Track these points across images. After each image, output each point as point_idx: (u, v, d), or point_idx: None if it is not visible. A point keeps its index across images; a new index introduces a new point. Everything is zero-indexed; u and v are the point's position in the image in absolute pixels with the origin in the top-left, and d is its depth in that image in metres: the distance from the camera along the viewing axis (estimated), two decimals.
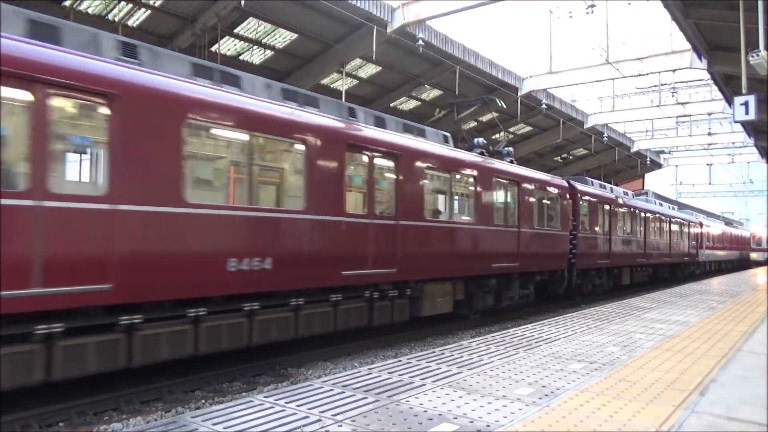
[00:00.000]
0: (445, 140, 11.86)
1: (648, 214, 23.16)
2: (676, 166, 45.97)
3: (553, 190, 15.27)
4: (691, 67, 18.98)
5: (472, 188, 11.98)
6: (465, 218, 11.96)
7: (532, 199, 14.07)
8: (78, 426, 5.91)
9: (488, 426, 3.58)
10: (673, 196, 48.05)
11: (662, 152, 40.67)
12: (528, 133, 30.11)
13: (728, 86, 17.12)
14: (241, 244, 7.21)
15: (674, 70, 20.68)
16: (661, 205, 26.99)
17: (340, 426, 3.58)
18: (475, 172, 11.93)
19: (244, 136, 7.51)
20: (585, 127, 28.54)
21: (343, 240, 8.65)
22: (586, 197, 17.32)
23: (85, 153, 6.61)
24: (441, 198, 11.71)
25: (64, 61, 5.76)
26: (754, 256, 44.41)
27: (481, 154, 13.09)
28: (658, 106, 27.00)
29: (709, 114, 28.43)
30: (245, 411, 3.89)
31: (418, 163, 10.35)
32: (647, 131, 34.54)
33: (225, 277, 6.96)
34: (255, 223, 7.44)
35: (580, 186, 17.18)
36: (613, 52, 20.03)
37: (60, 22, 6.29)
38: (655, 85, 27.12)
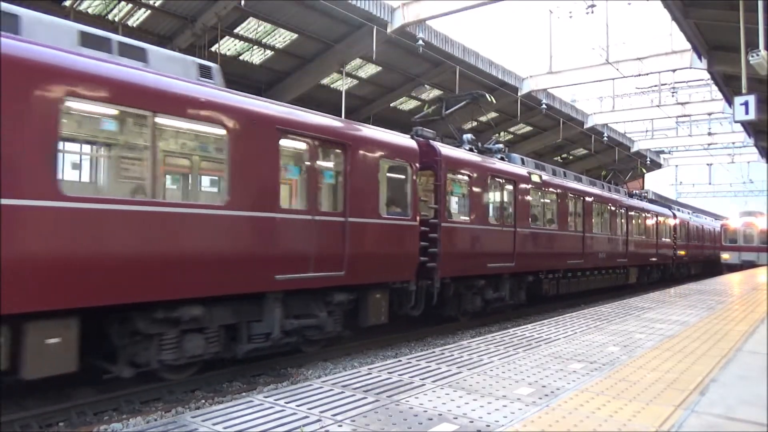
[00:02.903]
0: (620, 192, 22.07)
1: (701, 226, 34.48)
2: (676, 166, 45.84)
3: (668, 218, 27.23)
4: (691, 67, 18.96)
5: (646, 222, 23.81)
6: (641, 236, 22.98)
7: (661, 223, 25.81)
8: (78, 426, 5.91)
9: (488, 426, 3.58)
10: (673, 196, 47.95)
11: (662, 152, 40.59)
12: (528, 133, 30.09)
13: (728, 86, 17.12)
14: (593, 248, 17.93)
15: (674, 70, 20.65)
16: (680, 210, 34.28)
17: (340, 426, 3.58)
18: (652, 217, 24.53)
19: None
20: (585, 127, 28.52)
21: (612, 248, 19.83)
22: (679, 218, 29.08)
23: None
24: (637, 226, 22.65)
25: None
26: (725, 257, 33.92)
27: (639, 200, 24.29)
28: (658, 106, 26.98)
29: (709, 114, 28.37)
30: (245, 411, 3.89)
31: (635, 213, 22.54)
32: (647, 131, 34.50)
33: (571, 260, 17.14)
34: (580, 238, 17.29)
35: (677, 213, 29.31)
36: (613, 52, 20.03)
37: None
38: (655, 85, 27.11)
